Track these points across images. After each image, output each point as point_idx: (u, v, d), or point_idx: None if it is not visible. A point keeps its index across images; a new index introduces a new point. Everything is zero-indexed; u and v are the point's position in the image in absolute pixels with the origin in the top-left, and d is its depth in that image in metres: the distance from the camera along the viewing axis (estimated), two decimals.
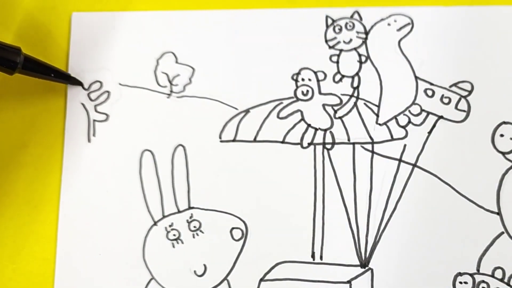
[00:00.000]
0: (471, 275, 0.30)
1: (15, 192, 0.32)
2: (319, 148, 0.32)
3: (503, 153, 0.31)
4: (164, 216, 0.31)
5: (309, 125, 0.32)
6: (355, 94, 0.32)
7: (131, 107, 0.33)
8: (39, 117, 0.33)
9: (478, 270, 0.30)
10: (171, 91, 0.32)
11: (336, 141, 0.32)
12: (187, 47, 0.33)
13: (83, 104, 0.32)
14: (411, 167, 0.31)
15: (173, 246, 0.31)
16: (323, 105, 0.32)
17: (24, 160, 0.32)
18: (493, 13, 0.31)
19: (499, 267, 0.30)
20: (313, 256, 0.31)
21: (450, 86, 0.32)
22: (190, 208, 0.31)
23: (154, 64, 0.33)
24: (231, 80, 0.32)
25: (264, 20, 0.32)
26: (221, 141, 0.32)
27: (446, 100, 0.32)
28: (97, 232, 0.31)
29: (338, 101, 0.32)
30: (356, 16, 0.32)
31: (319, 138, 0.32)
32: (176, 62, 0.33)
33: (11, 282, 0.31)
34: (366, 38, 0.32)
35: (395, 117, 0.32)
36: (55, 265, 0.31)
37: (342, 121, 0.32)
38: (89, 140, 0.32)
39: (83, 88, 0.32)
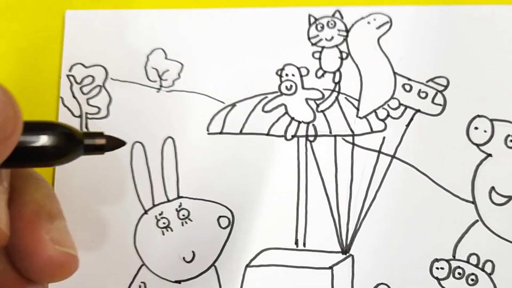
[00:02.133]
0: (447, 261, 0.30)
1: None
2: (302, 140, 0.32)
3: (478, 145, 0.31)
4: (154, 205, 0.32)
5: (292, 118, 0.32)
6: (337, 89, 0.32)
7: (122, 100, 0.33)
8: (32, 110, 0.32)
9: (454, 256, 0.31)
10: (161, 86, 0.33)
11: (319, 133, 0.32)
12: (176, 44, 0.33)
13: (75, 98, 0.33)
14: (389, 158, 0.31)
15: (163, 234, 0.31)
16: (306, 99, 0.32)
17: None
18: (468, 12, 0.32)
19: (474, 253, 0.30)
20: (296, 243, 0.31)
21: (427, 81, 0.32)
22: (179, 197, 0.32)
23: (145, 60, 0.33)
24: (218, 75, 0.33)
25: (250, 19, 0.32)
26: (209, 134, 0.32)
27: (423, 95, 0.32)
28: (90, 220, 0.32)
29: (320, 96, 0.32)
30: (337, 14, 0.32)
31: (302, 131, 0.32)
32: (166, 58, 0.33)
33: None
34: (347, 36, 0.33)
35: (374, 111, 0.32)
36: None
37: (324, 115, 0.32)
38: None
39: (76, 82, 0.33)
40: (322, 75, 0.33)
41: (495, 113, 0.32)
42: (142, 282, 0.31)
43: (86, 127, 0.32)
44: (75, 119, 0.32)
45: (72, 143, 0.21)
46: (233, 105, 0.33)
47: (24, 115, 0.29)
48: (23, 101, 0.30)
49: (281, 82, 0.33)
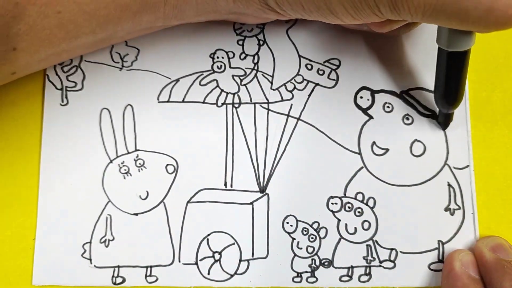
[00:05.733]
0: (340, 198, 0.34)
1: None
2: (230, 106, 0.34)
3: (362, 110, 0.34)
4: (117, 156, 0.34)
5: (222, 90, 0.34)
6: (256, 68, 0.35)
7: (93, 77, 0.34)
8: (24, 84, 0.34)
9: (344, 194, 0.34)
10: (122, 66, 0.34)
11: (242, 101, 0.34)
12: None
13: (58, 75, 0.34)
14: (296, 120, 0.34)
15: (124, 178, 0.33)
16: (232, 76, 0.34)
17: (9, 115, 0.34)
18: None
19: (360, 192, 0.34)
20: (225, 184, 0.34)
21: (324, 62, 0.35)
22: (136, 150, 0.34)
23: (110, 46, 0.35)
24: (166, 58, 0.34)
25: None
26: (159, 102, 0.34)
27: (321, 72, 0.34)
28: (70, 167, 0.33)
29: (243, 73, 0.35)
30: None
31: (229, 100, 0.34)
32: (126, 45, 0.35)
33: None
34: (263, 28, 0.35)
35: (284, 84, 0.34)
36: (38, 193, 0.33)
37: (246, 87, 0.34)
38: (62, 101, 0.34)
39: (58, 63, 0.34)
40: (245, 58, 0.35)
41: (376, 85, 0.34)
42: (108, 215, 0.33)
43: (66, 97, 0.34)
44: (57, 91, 0.34)
45: None
46: (177, 80, 0.34)
47: (17, 88, 0.33)
48: (18, 78, 0.31)
49: (214, 63, 0.34)
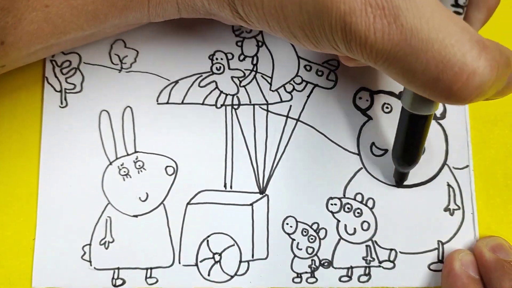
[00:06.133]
0: (339, 198, 0.34)
1: None
2: (229, 108, 0.34)
3: (362, 110, 0.34)
4: (117, 158, 0.34)
5: (221, 92, 0.34)
6: (255, 69, 0.34)
7: (92, 79, 0.34)
8: (24, 87, 0.34)
9: (344, 195, 0.34)
10: (122, 68, 0.34)
11: (241, 103, 0.34)
12: (133, 36, 0.35)
13: (57, 77, 0.34)
14: (295, 121, 0.34)
15: (124, 180, 0.33)
16: (231, 77, 0.34)
17: (8, 117, 0.34)
18: None
19: (359, 193, 0.34)
20: (225, 186, 0.33)
21: (323, 63, 0.35)
22: (136, 152, 0.34)
23: (109, 48, 0.34)
24: (165, 59, 0.34)
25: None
26: (158, 103, 0.34)
27: (320, 73, 0.35)
28: (69, 169, 0.33)
29: (242, 74, 0.34)
30: None
31: (228, 101, 0.34)
32: (125, 46, 0.35)
33: None
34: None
35: (283, 85, 0.34)
36: (37, 195, 0.33)
37: (245, 89, 0.34)
38: (61, 104, 0.34)
39: (57, 65, 0.34)
40: (244, 59, 0.35)
41: (374, 86, 0.34)
42: (108, 217, 0.33)
43: (65, 99, 0.34)
44: (56, 93, 0.34)
45: None
46: (176, 81, 0.34)
47: (17, 91, 0.33)
48: (18, 80, 0.33)
49: (213, 64, 0.34)
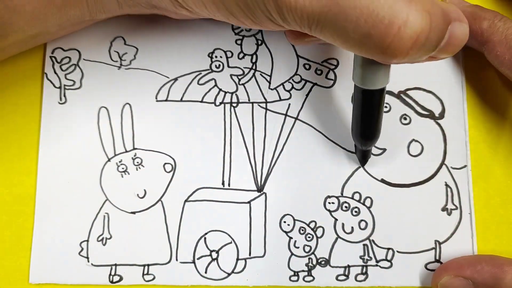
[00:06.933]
0: (337, 197, 0.33)
1: None
2: (228, 106, 0.34)
3: None
4: (115, 155, 0.34)
5: (220, 89, 0.34)
6: (254, 67, 0.34)
7: (92, 75, 0.34)
8: (24, 83, 0.34)
9: (342, 194, 0.33)
10: (121, 65, 0.34)
11: (240, 101, 0.34)
12: (133, 33, 0.35)
13: (56, 73, 0.34)
14: (293, 120, 0.34)
15: (122, 176, 0.33)
16: (231, 75, 0.34)
17: (7, 113, 0.34)
18: None
19: (357, 192, 0.34)
20: (223, 183, 0.33)
21: (322, 62, 0.35)
22: (134, 149, 0.34)
23: (109, 45, 0.35)
24: (164, 57, 0.34)
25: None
26: (157, 101, 0.34)
27: (319, 72, 0.34)
28: (68, 165, 0.33)
29: (241, 72, 0.34)
30: None
31: (227, 99, 0.34)
32: (125, 43, 0.34)
33: None
34: None
35: (282, 84, 0.34)
36: (36, 190, 0.33)
37: (244, 87, 0.34)
38: (60, 100, 0.34)
39: (57, 61, 0.34)
40: (243, 57, 0.35)
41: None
42: (106, 213, 0.33)
43: (64, 96, 0.34)
44: (56, 90, 0.34)
45: None
46: (175, 79, 0.34)
47: (15, 86, 0.33)
48: (17, 76, 0.34)
49: (212, 62, 0.34)
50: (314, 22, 0.23)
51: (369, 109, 0.30)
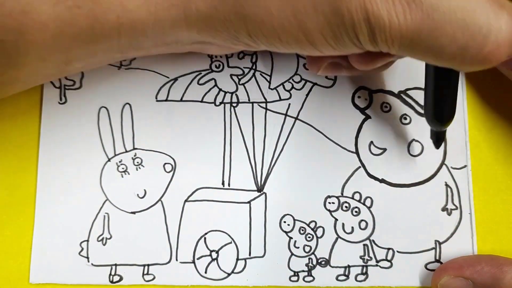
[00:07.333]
0: (337, 197, 0.33)
1: None
2: (228, 106, 0.34)
3: (360, 109, 0.34)
4: (115, 155, 0.34)
5: (220, 89, 0.34)
6: (254, 67, 0.34)
7: (92, 75, 0.34)
8: None
9: (342, 193, 0.33)
10: (121, 65, 0.34)
11: (240, 101, 0.34)
12: None
13: None
14: (293, 119, 0.34)
15: (122, 176, 0.33)
16: (231, 75, 0.34)
17: (7, 113, 0.34)
18: None
19: (357, 192, 0.34)
20: (223, 183, 0.33)
21: None
22: (134, 149, 0.34)
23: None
24: (164, 56, 0.34)
25: None
26: (157, 101, 0.34)
27: None
28: (68, 165, 0.33)
29: (241, 72, 0.34)
30: None
31: (227, 99, 0.34)
32: None
33: None
34: None
35: (282, 84, 0.34)
36: (36, 191, 0.33)
37: (244, 87, 0.34)
38: (60, 100, 0.34)
39: None
40: (243, 57, 0.35)
41: (373, 85, 0.34)
42: (106, 213, 0.33)
43: (64, 96, 0.34)
44: (55, 90, 0.34)
45: None
46: (175, 79, 0.34)
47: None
48: None
49: (212, 62, 0.34)
50: (407, 40, 0.23)
51: (448, 89, 0.29)
